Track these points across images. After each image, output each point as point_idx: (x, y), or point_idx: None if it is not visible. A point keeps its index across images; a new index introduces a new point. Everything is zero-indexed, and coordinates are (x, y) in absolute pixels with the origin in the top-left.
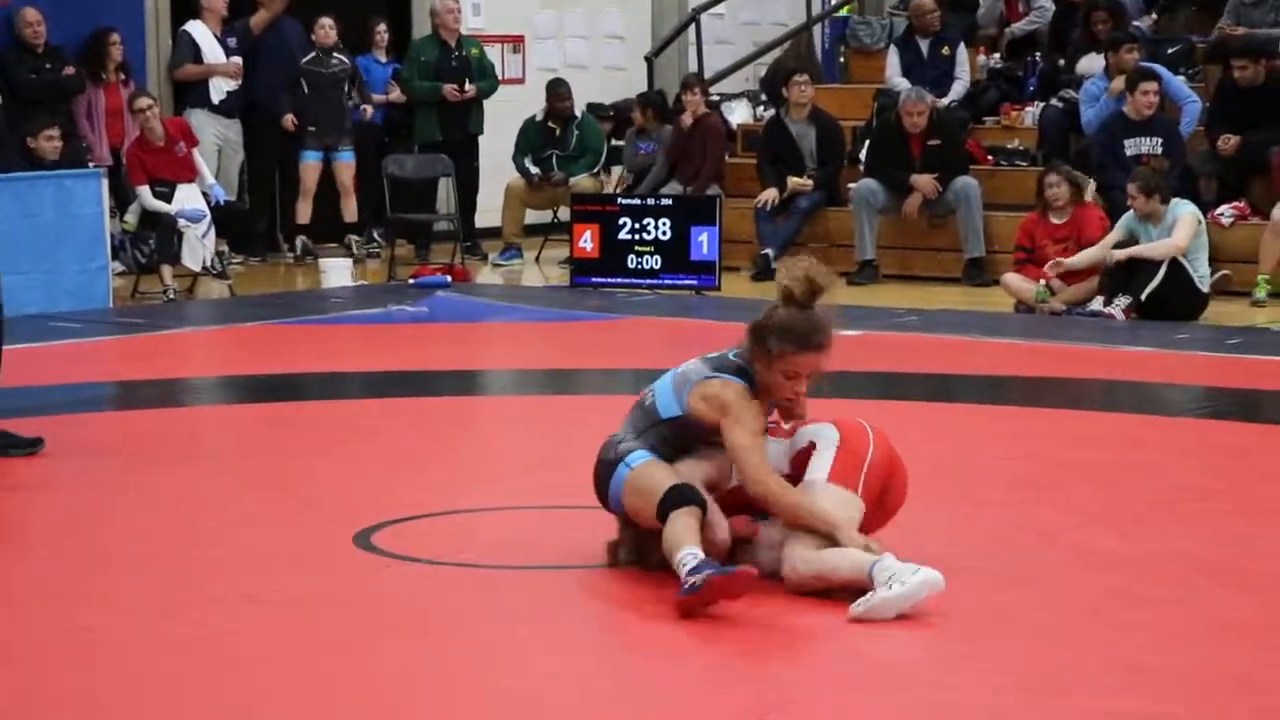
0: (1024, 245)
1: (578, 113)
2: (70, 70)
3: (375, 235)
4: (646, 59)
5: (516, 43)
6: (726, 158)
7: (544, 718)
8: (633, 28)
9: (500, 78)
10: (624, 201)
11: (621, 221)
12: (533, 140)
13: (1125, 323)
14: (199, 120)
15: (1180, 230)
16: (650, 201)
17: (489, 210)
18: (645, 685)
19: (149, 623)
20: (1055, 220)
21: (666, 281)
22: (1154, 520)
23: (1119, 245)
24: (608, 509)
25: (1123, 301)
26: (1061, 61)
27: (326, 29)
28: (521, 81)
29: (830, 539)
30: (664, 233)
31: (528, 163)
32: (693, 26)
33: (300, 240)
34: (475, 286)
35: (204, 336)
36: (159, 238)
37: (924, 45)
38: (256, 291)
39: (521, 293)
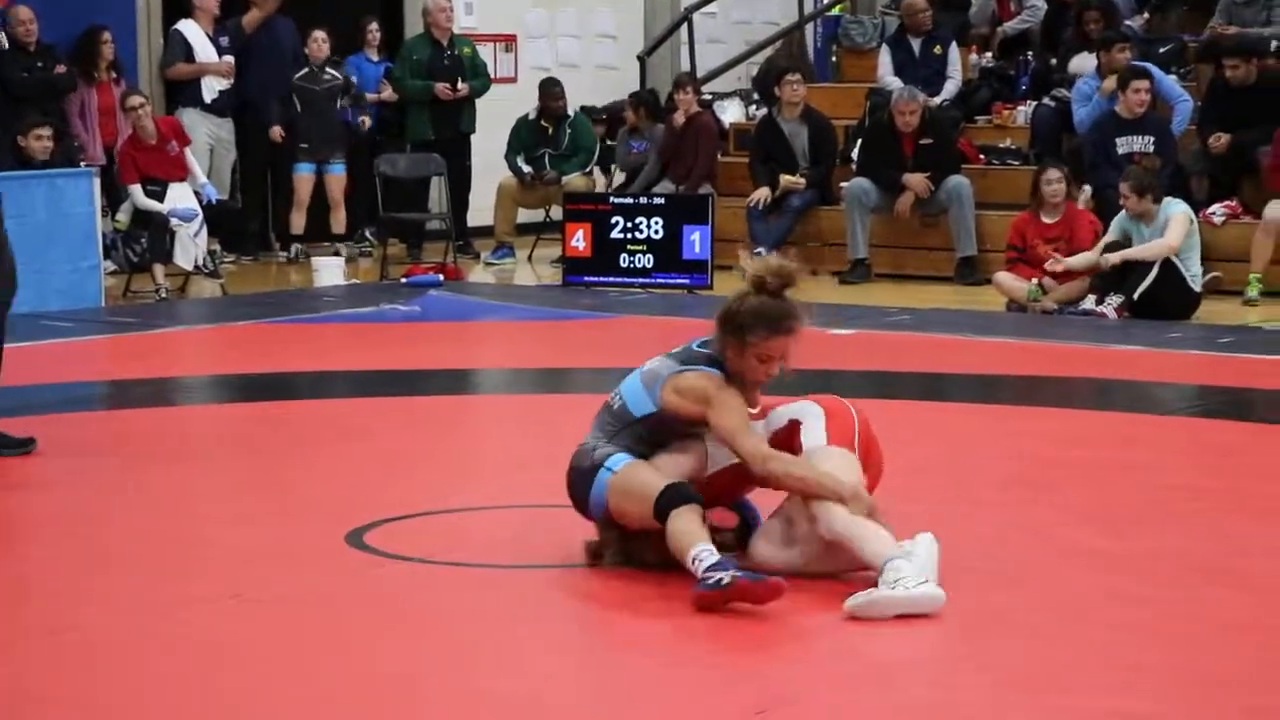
0: (1015, 245)
1: (570, 112)
2: (62, 69)
3: (368, 234)
4: (639, 58)
5: (509, 42)
6: (719, 157)
7: (537, 717)
8: (625, 27)
9: (492, 77)
10: (616, 200)
11: (614, 220)
12: (525, 139)
13: (1117, 321)
14: (191, 119)
15: (1172, 230)
16: (642, 200)
17: (481, 209)
18: (638, 684)
19: (140, 622)
20: (1047, 220)
21: (659, 280)
22: (1147, 519)
23: (1113, 245)
24: (585, 515)
25: (1115, 300)
26: (1053, 61)
27: (320, 42)
28: (514, 80)
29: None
30: (656, 232)
31: (520, 162)
32: (685, 25)
33: (295, 247)
34: (467, 285)
35: (196, 335)
36: (151, 237)
37: (916, 44)
38: (248, 290)
39: (514, 292)
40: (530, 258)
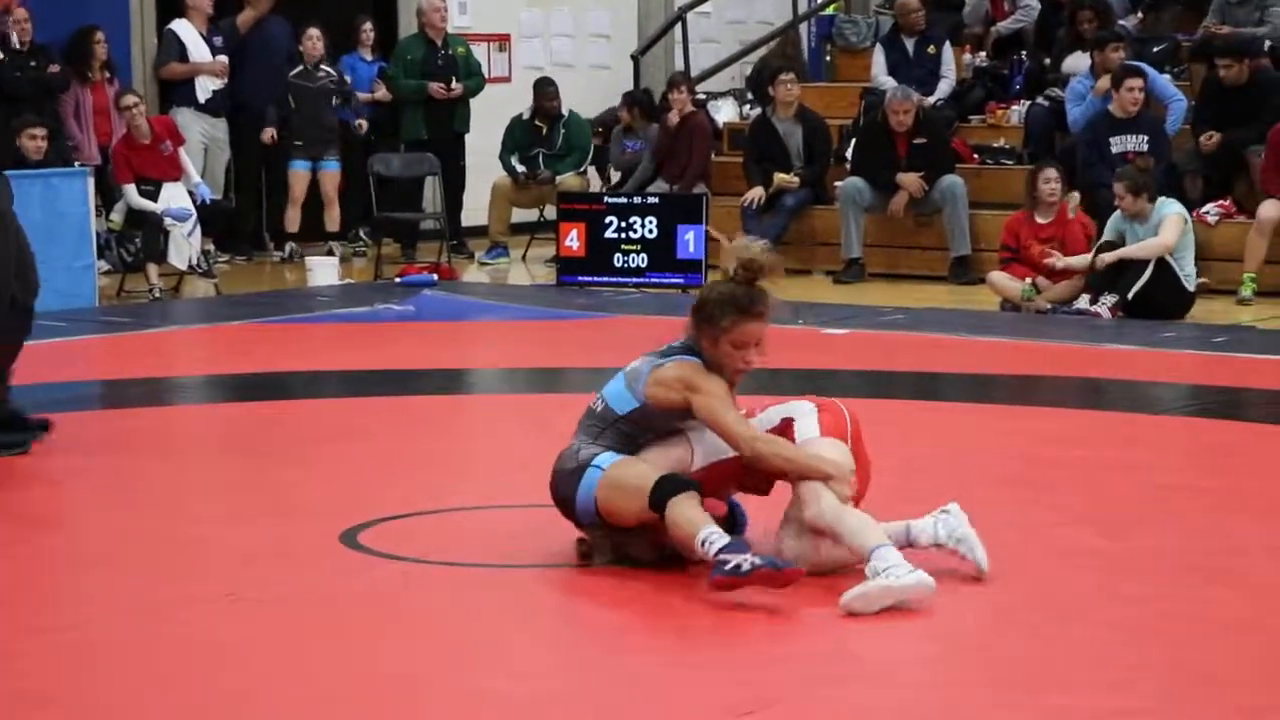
0: (1009, 245)
1: (564, 111)
2: (56, 69)
3: (361, 234)
4: (633, 57)
5: (503, 41)
6: (713, 156)
7: (530, 716)
8: (619, 26)
9: (486, 76)
10: (610, 200)
11: (608, 220)
12: (519, 139)
13: (1111, 321)
14: (185, 119)
15: (1166, 229)
16: (636, 200)
17: (475, 209)
18: (631, 683)
19: (133, 621)
20: (1041, 220)
21: (653, 280)
22: (1143, 518)
23: (1108, 245)
24: (573, 519)
25: (1109, 300)
26: (1047, 60)
27: (314, 40)
28: (508, 80)
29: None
30: (650, 231)
31: (514, 161)
32: (679, 25)
33: (289, 246)
34: (462, 285)
35: (190, 335)
36: (145, 236)
37: (909, 44)
38: (242, 290)
39: (508, 291)
40: (524, 257)
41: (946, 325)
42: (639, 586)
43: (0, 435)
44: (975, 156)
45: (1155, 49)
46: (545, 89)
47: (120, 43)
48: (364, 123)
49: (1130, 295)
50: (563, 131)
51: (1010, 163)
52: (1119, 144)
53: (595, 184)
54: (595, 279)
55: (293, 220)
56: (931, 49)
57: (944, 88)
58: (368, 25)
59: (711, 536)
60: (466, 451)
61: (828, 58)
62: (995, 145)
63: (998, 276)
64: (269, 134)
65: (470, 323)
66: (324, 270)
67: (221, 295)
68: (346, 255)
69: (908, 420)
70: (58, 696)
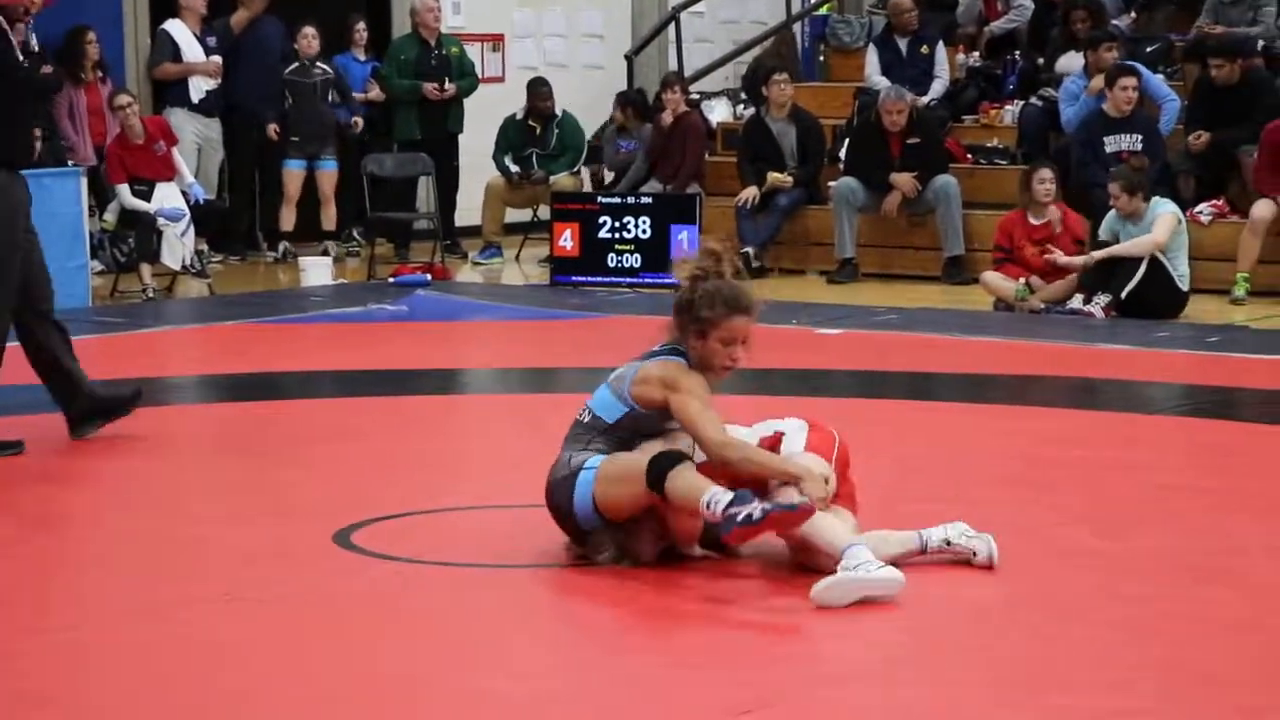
0: (1002, 245)
1: (558, 111)
2: (49, 69)
3: (355, 234)
4: (626, 57)
5: (496, 41)
6: (706, 156)
7: (528, 716)
8: (612, 26)
9: (480, 76)
10: (604, 200)
11: (601, 220)
12: (513, 139)
13: (1105, 321)
14: (179, 119)
15: (1159, 227)
16: (630, 200)
17: (469, 209)
18: (625, 683)
19: (127, 621)
20: (1035, 220)
21: (646, 280)
22: (1134, 518)
23: (1103, 244)
24: (571, 528)
25: (1102, 300)
26: (1041, 60)
27: (310, 38)
28: (501, 80)
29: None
30: (644, 231)
31: (508, 161)
32: (672, 25)
33: (283, 245)
34: (455, 285)
35: (183, 335)
36: (138, 236)
37: (903, 44)
38: (236, 290)
39: (501, 291)
40: (518, 257)
41: (940, 325)
42: (637, 586)
43: None
44: (969, 156)
45: (1149, 49)
46: (539, 89)
47: (114, 43)
48: (359, 120)
49: (1123, 295)
50: (556, 131)
51: (1004, 163)
52: (1113, 144)
53: (586, 184)
54: (589, 279)
55: (287, 220)
56: (925, 49)
57: (937, 87)
58: (361, 25)
59: (716, 495)
60: (460, 451)
61: (821, 58)
62: (989, 145)
63: (991, 276)
64: (272, 129)
65: (464, 323)
66: (317, 270)
67: (215, 295)
68: (340, 255)
69: (901, 420)
70: (56, 696)
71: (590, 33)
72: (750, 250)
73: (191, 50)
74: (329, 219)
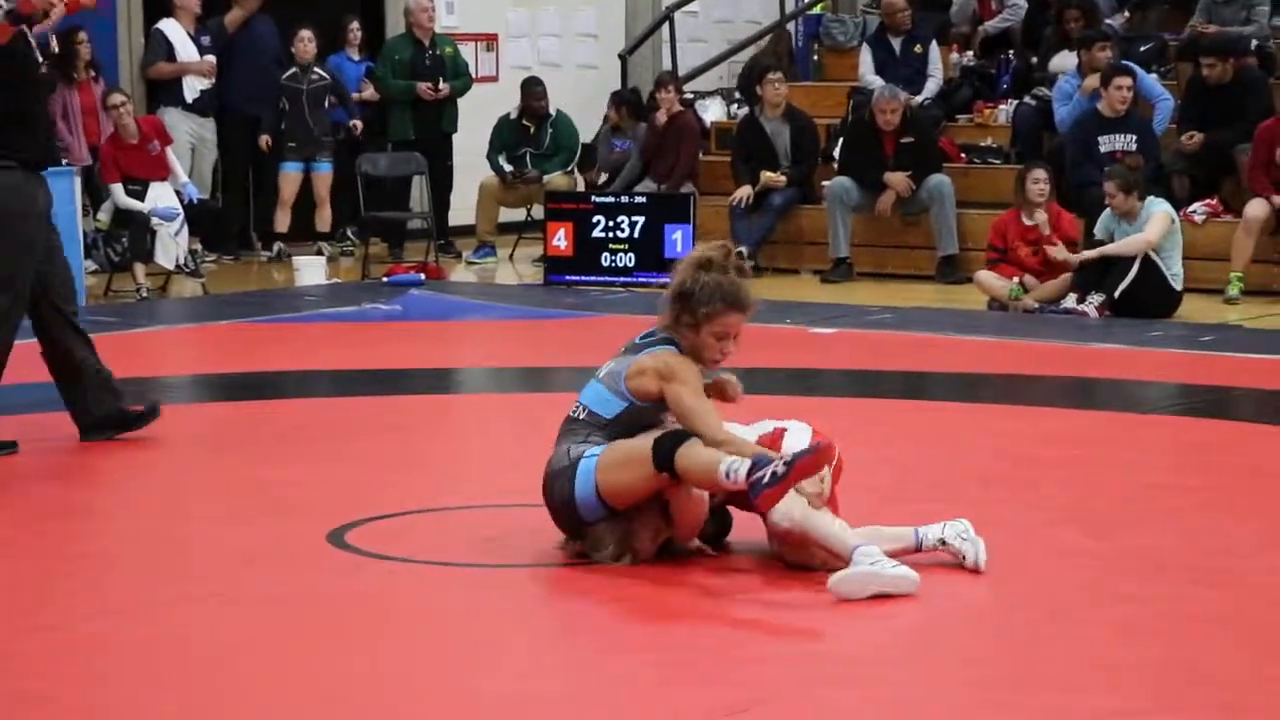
0: (996, 245)
1: (552, 111)
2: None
3: (349, 234)
4: (620, 57)
5: (490, 41)
6: (700, 155)
7: (519, 716)
8: (606, 26)
9: (474, 76)
10: (598, 199)
11: (595, 219)
12: (507, 138)
13: (1098, 320)
14: (173, 118)
15: (1152, 226)
16: (624, 199)
17: (463, 208)
18: (621, 682)
19: (121, 621)
20: (1028, 221)
21: (640, 279)
22: (1126, 517)
23: (1098, 244)
24: (572, 523)
25: (1096, 299)
26: (1034, 59)
27: (306, 42)
28: (495, 80)
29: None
30: (638, 230)
31: (502, 161)
32: (666, 24)
33: (278, 246)
34: (449, 285)
35: (177, 335)
36: (132, 236)
37: (896, 43)
38: (229, 290)
39: (495, 291)
40: (512, 257)
41: (934, 324)
42: (631, 584)
43: None
44: (962, 156)
45: (1142, 48)
46: (533, 89)
47: (107, 42)
48: (358, 123)
49: (1117, 294)
50: (550, 131)
51: (997, 162)
52: (1108, 143)
53: (579, 184)
54: (583, 278)
55: (281, 222)
56: (918, 48)
57: (931, 87)
58: (355, 25)
59: (734, 464)
60: (455, 451)
61: (815, 57)
62: (982, 144)
63: (985, 276)
64: (264, 141)
65: (458, 322)
66: (311, 270)
67: (209, 295)
68: (334, 255)
69: (895, 420)
70: (53, 695)
71: (584, 32)
72: (744, 250)
73: (185, 50)
74: (324, 220)
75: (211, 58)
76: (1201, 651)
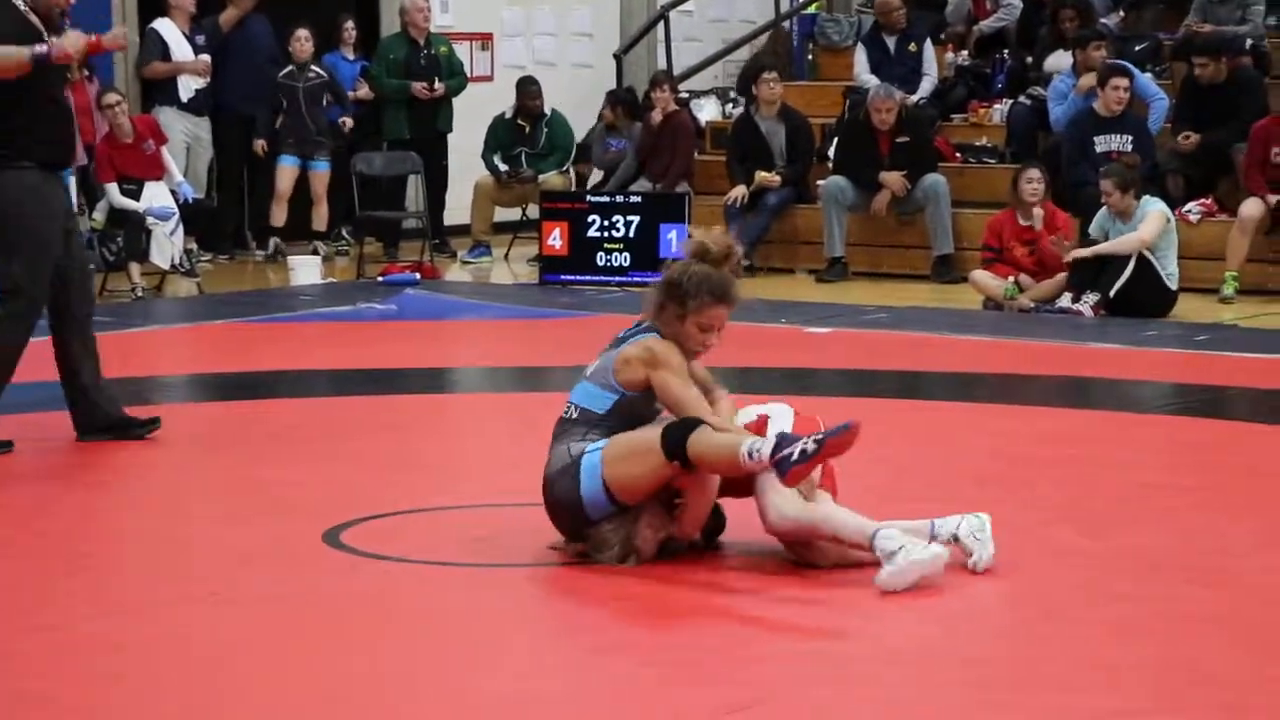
0: (991, 245)
1: (547, 110)
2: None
3: (344, 233)
4: (615, 56)
5: (485, 40)
6: (695, 155)
7: (519, 716)
8: (601, 25)
9: (469, 75)
10: (593, 199)
11: (590, 219)
12: (502, 138)
13: (1093, 320)
14: (168, 118)
15: (1147, 225)
16: (619, 199)
17: (458, 208)
18: (618, 681)
19: (121, 621)
20: (1024, 221)
21: (635, 279)
22: (1121, 517)
23: (1094, 243)
24: (575, 524)
25: (1091, 299)
26: (1029, 59)
27: (303, 41)
28: (490, 79)
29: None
30: (633, 230)
31: (497, 160)
32: (661, 23)
33: (274, 241)
34: (444, 284)
35: (172, 334)
36: (127, 235)
37: (891, 42)
38: (225, 289)
39: (490, 290)
40: (507, 256)
41: (929, 324)
42: (628, 584)
43: None
44: (958, 155)
45: (1137, 47)
46: (528, 88)
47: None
48: (348, 120)
49: (1112, 294)
50: (545, 130)
51: (992, 161)
52: (1104, 143)
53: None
54: (578, 278)
55: (278, 216)
56: (913, 46)
57: (926, 85)
58: (350, 24)
59: (755, 444)
60: (450, 450)
61: (810, 56)
62: (977, 144)
63: (980, 275)
64: (259, 145)
65: (453, 322)
66: (306, 269)
67: (204, 294)
68: (329, 254)
69: (891, 419)
70: (52, 695)
71: (579, 31)
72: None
73: (180, 49)
74: (320, 219)
75: (206, 57)
76: (1199, 651)
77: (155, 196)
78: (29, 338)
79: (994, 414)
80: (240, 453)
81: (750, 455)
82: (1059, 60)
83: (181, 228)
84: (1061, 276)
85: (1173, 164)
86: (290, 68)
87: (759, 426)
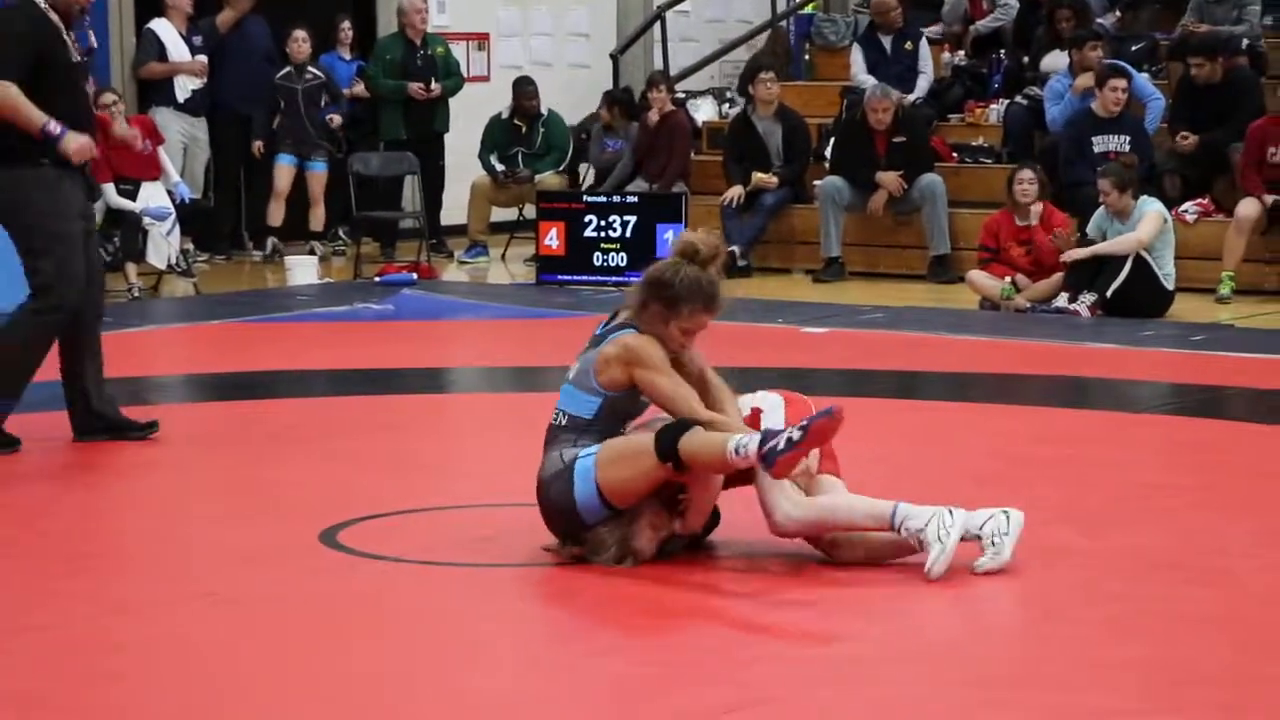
0: (988, 244)
1: (543, 110)
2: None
3: (341, 233)
4: (612, 56)
5: (481, 40)
6: (692, 155)
7: (518, 716)
8: (598, 25)
9: (465, 75)
10: (590, 199)
11: (587, 219)
12: (498, 138)
13: (1090, 320)
14: (164, 118)
15: (1144, 225)
16: (616, 199)
17: (455, 208)
18: (620, 683)
19: (121, 621)
20: (1020, 221)
21: (632, 279)
22: (1118, 516)
23: (1091, 243)
24: (571, 528)
25: (1088, 298)
26: (1026, 59)
27: (300, 42)
28: (487, 79)
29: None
30: (630, 230)
31: (494, 160)
32: (658, 24)
33: (271, 241)
34: (441, 284)
35: (169, 334)
36: (124, 235)
37: (887, 42)
38: (221, 289)
39: (487, 290)
40: (504, 256)
41: (926, 324)
42: (624, 584)
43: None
44: (954, 155)
45: (1133, 47)
46: (524, 88)
47: (99, 42)
48: (335, 117)
49: (1109, 294)
50: (542, 130)
51: (989, 161)
52: (1101, 143)
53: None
54: (575, 278)
55: (276, 215)
56: (909, 45)
57: (923, 84)
58: (346, 24)
59: (742, 440)
60: (447, 451)
61: (806, 56)
62: (974, 144)
63: (977, 275)
64: (257, 147)
65: (449, 322)
66: (303, 269)
67: (200, 294)
68: (326, 254)
69: (887, 419)
70: (48, 695)
71: (576, 32)
72: (736, 249)
73: (177, 49)
74: (317, 220)
75: (203, 57)
76: (1197, 650)
77: (152, 197)
78: (55, 337)
79: (991, 414)
80: (238, 453)
81: (737, 452)
82: (1055, 60)
83: (178, 228)
84: (1058, 276)
85: (1170, 164)
86: (288, 69)
87: (753, 421)
